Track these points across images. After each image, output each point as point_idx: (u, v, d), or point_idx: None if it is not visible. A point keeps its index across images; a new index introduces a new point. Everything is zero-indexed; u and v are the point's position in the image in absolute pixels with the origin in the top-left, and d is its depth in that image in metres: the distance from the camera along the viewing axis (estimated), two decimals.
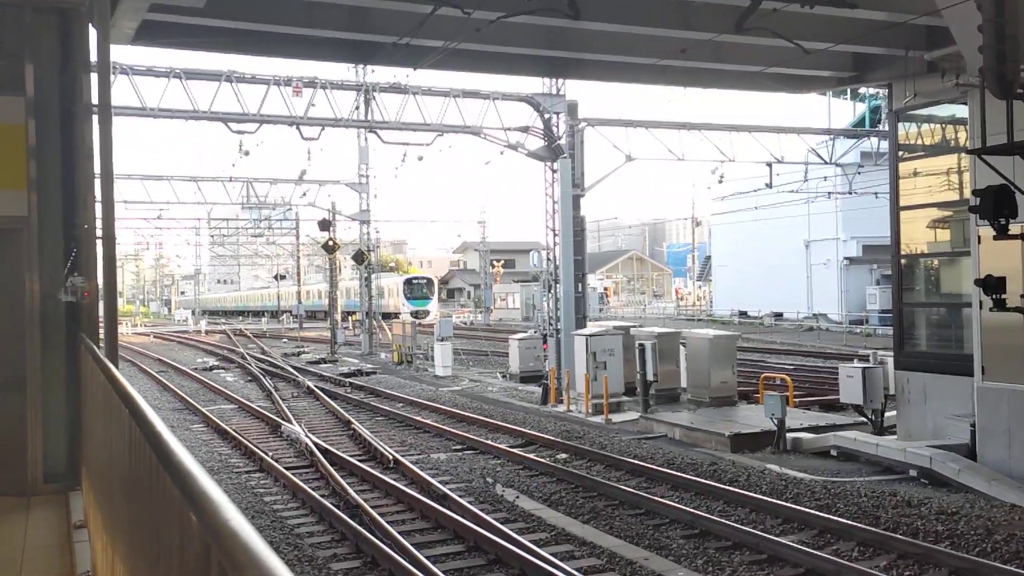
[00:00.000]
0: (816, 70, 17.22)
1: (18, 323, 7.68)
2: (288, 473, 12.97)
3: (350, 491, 11.57)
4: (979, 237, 12.87)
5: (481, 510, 10.72)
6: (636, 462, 13.40)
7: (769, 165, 28.83)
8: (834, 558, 8.88)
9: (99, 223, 7.98)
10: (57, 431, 7.73)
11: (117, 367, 5.95)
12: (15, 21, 7.75)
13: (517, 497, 11.78)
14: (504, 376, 27.02)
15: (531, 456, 14.23)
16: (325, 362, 33.84)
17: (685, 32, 14.69)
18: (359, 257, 39.51)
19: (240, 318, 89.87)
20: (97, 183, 8.00)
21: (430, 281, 64.03)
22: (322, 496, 11.56)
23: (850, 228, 46.43)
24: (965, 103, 13.86)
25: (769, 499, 11.04)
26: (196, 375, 29.07)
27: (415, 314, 56.85)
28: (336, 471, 12.97)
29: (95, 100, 8.00)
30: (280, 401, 21.31)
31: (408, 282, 63.19)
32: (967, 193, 13.50)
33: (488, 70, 18.52)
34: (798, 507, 10.68)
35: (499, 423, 17.61)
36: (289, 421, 17.82)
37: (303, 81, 21.04)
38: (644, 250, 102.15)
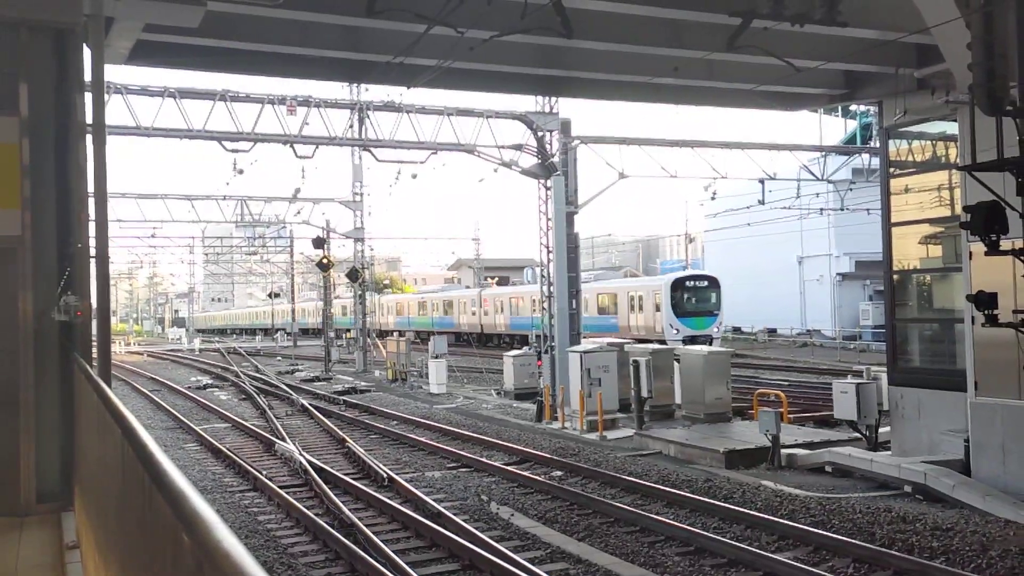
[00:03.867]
0: (807, 88, 17.33)
1: (12, 342, 7.66)
2: (282, 492, 12.91)
3: (344, 509, 11.53)
4: (970, 253, 12.92)
5: (476, 528, 10.69)
6: (631, 479, 13.38)
7: (761, 182, 29.00)
8: (830, 575, 8.87)
9: (93, 242, 7.99)
10: (50, 451, 7.70)
11: (110, 386, 5.94)
12: (10, 41, 7.77)
13: (512, 515, 11.74)
14: (499, 393, 26.98)
15: (526, 473, 14.19)
16: (319, 380, 33.76)
17: (677, 50, 14.79)
18: (353, 275, 39.51)
19: (234, 336, 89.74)
20: (91, 202, 8.02)
21: (714, 283, 39.03)
22: (316, 515, 11.51)
23: (843, 244, 46.65)
24: (955, 120, 13.96)
25: (764, 516, 11.02)
26: (189, 394, 28.96)
27: (693, 342, 32.80)
28: (330, 489, 12.92)
29: (89, 119, 8.02)
30: (274, 419, 21.23)
31: (679, 285, 37.99)
32: (958, 209, 13.58)
33: (481, 88, 18.61)
34: (793, 523, 10.66)
35: (494, 440, 17.56)
36: (283, 439, 17.75)
37: (297, 100, 21.12)
38: (638, 266, 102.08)
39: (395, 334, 42.04)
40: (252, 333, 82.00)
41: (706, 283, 38.76)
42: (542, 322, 23.78)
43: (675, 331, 36.13)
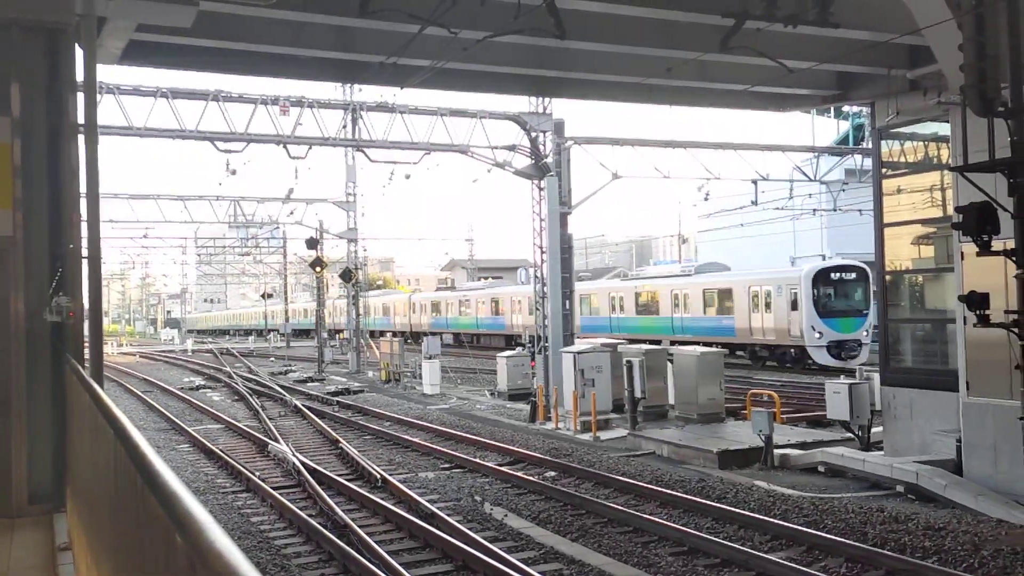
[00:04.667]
0: (800, 88, 17.38)
1: (3, 343, 7.63)
2: (275, 493, 12.88)
3: (337, 510, 11.51)
4: (962, 253, 12.97)
5: (469, 529, 10.68)
6: (624, 479, 13.39)
7: (754, 182, 29.05)
8: (823, 575, 8.89)
9: (85, 242, 7.96)
10: (42, 452, 7.67)
11: (102, 387, 5.93)
12: (2, 41, 7.75)
13: (506, 515, 11.74)
14: (492, 394, 26.97)
15: (519, 474, 14.19)
16: (313, 381, 33.71)
17: (670, 51, 14.81)
18: (346, 275, 39.47)
19: (227, 336, 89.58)
20: (83, 202, 7.99)
21: (863, 275, 30.69)
22: (309, 516, 11.49)
23: (835, 245, 46.71)
24: (947, 121, 14.00)
25: (757, 516, 11.04)
26: (182, 395, 28.88)
27: (839, 348, 29.39)
28: (323, 490, 12.90)
29: (81, 119, 8.00)
30: (267, 420, 21.20)
31: (822, 278, 30.53)
32: (950, 210, 13.62)
33: (475, 89, 18.60)
34: (786, 524, 10.68)
35: (487, 441, 17.56)
36: (276, 440, 17.72)
37: (290, 100, 21.09)
38: (631, 267, 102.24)
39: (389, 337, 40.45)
40: (247, 334, 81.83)
41: (854, 275, 30.78)
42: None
43: (818, 335, 29.45)
